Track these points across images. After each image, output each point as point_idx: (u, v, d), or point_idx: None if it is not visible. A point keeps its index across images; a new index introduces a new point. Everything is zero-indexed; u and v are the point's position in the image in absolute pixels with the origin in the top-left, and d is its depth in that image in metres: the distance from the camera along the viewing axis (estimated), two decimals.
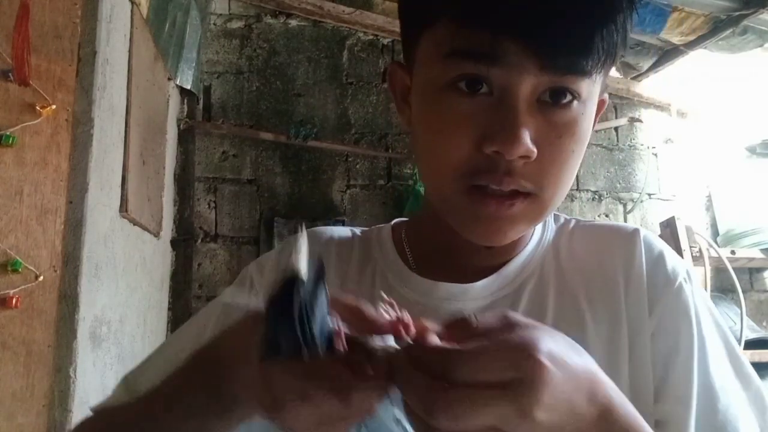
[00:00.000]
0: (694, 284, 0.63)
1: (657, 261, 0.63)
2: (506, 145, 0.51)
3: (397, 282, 0.67)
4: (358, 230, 0.76)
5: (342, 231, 0.75)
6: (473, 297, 0.63)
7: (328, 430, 0.42)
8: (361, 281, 0.68)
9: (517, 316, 0.42)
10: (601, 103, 0.59)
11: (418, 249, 0.68)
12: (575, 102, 0.53)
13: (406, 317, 0.42)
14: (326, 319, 0.39)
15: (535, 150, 0.52)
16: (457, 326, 0.42)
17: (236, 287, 0.72)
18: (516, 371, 0.38)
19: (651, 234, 0.67)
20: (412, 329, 0.42)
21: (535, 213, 0.57)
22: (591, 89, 0.53)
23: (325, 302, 0.39)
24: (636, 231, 0.66)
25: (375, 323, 0.43)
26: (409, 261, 0.68)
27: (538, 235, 0.68)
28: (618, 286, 0.62)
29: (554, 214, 0.71)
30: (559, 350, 0.40)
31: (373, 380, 0.41)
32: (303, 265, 0.39)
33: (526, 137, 0.51)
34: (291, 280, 0.37)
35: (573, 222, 0.70)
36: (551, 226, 0.69)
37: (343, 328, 0.41)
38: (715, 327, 0.63)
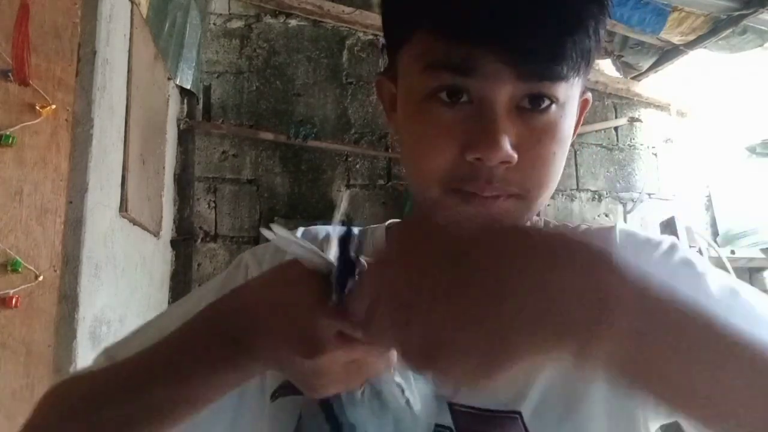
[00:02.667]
0: (683, 249, 0.61)
1: (629, 238, 0.63)
2: (487, 152, 0.52)
3: None
4: (354, 230, 0.76)
5: (337, 231, 0.75)
6: None
7: (351, 379, 0.47)
8: None
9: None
10: (584, 103, 0.60)
11: None
12: (554, 106, 0.54)
13: None
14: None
15: (515, 155, 0.53)
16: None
17: (230, 273, 0.72)
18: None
19: (628, 226, 0.66)
20: None
21: (520, 211, 0.58)
22: (569, 93, 0.54)
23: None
24: (612, 227, 0.65)
25: None
26: None
27: None
28: None
29: (543, 220, 0.71)
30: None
31: None
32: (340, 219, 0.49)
33: (506, 143, 0.52)
34: (346, 237, 0.46)
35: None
36: None
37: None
38: (725, 275, 0.59)
